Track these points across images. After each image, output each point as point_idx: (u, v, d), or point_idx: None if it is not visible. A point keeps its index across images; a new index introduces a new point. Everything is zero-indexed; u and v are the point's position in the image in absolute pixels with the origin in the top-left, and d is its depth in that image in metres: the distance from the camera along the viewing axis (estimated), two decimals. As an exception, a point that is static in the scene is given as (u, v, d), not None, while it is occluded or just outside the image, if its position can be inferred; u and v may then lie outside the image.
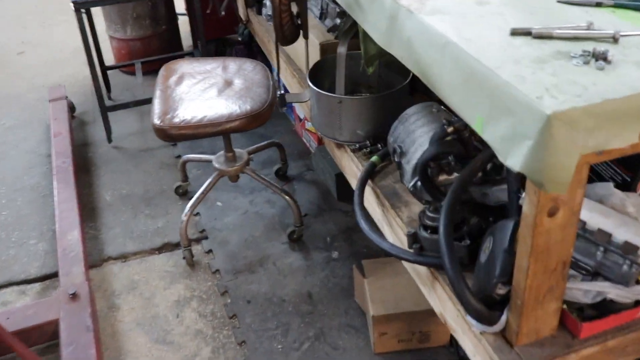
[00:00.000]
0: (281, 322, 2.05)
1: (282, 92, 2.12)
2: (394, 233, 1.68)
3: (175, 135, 2.08)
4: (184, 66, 2.49)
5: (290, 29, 2.04)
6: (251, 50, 3.53)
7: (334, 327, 2.01)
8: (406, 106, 1.91)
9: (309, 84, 2.01)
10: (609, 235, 1.24)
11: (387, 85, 2.12)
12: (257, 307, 2.12)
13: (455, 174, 1.57)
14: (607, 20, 1.16)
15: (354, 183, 1.96)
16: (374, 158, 1.85)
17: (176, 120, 2.09)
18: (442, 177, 1.57)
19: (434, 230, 1.47)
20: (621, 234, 1.24)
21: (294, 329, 2.02)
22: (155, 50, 3.72)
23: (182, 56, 3.83)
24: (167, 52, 3.69)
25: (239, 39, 3.45)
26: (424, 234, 1.48)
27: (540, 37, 1.12)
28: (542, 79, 0.99)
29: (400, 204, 1.72)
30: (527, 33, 1.13)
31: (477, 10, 1.24)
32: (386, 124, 1.93)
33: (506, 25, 1.16)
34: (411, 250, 1.50)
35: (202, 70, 2.43)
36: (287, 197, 2.35)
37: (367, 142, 1.95)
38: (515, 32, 1.14)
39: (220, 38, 3.86)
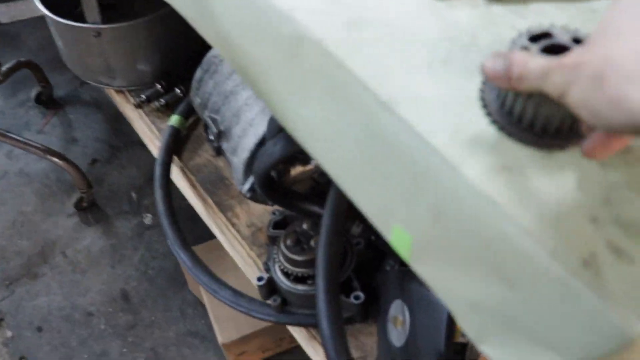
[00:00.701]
0: (94, 352, 1.45)
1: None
2: (233, 248, 1.09)
3: None
4: None
5: None
6: None
7: (171, 342, 1.46)
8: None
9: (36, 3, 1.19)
10: None
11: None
12: (53, 335, 1.48)
13: (315, 163, 0.97)
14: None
15: (153, 150, 1.28)
16: (175, 120, 1.17)
17: None
18: (296, 172, 0.97)
19: (300, 279, 0.90)
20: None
21: (114, 358, 1.44)
22: None
23: None
24: None
25: None
26: (285, 282, 0.91)
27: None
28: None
29: (232, 199, 1.10)
30: None
31: None
32: (184, 51, 1.23)
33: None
34: (269, 303, 0.94)
35: None
36: (56, 160, 1.59)
37: (159, 87, 1.24)
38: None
39: None
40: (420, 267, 0.47)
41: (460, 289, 0.44)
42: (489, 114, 0.42)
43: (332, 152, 0.51)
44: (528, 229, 0.37)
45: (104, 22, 1.13)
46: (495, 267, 0.40)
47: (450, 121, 0.42)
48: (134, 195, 1.73)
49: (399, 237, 0.47)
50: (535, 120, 0.40)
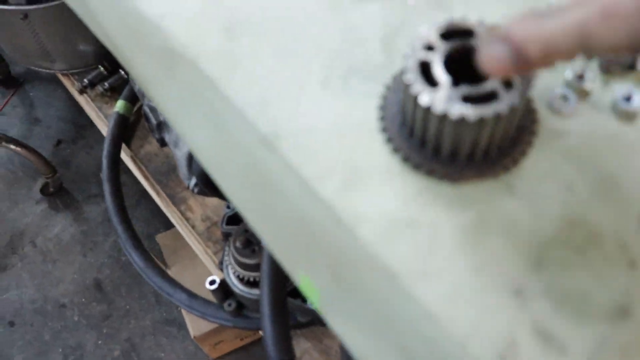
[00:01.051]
0: (69, 345, 1.40)
1: None
2: (191, 242, 1.02)
3: None
4: None
5: None
6: None
7: (148, 331, 1.40)
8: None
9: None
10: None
11: None
12: (26, 329, 1.43)
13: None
14: None
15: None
16: (120, 105, 1.08)
17: None
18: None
19: (253, 283, 0.83)
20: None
21: (90, 351, 1.39)
22: None
23: None
24: None
25: None
26: (238, 286, 0.84)
27: None
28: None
29: (185, 191, 1.02)
30: None
31: None
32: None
33: None
34: (225, 308, 0.87)
35: None
36: (14, 147, 1.50)
37: (102, 69, 1.14)
38: None
39: None
40: (332, 322, 0.39)
41: (373, 357, 0.36)
42: (389, 139, 0.33)
43: (228, 182, 0.43)
44: (434, 311, 0.28)
45: (30, 2, 1.02)
46: (403, 348, 0.31)
47: (345, 157, 0.33)
48: (102, 176, 1.65)
49: (307, 286, 0.39)
50: (440, 142, 0.31)
